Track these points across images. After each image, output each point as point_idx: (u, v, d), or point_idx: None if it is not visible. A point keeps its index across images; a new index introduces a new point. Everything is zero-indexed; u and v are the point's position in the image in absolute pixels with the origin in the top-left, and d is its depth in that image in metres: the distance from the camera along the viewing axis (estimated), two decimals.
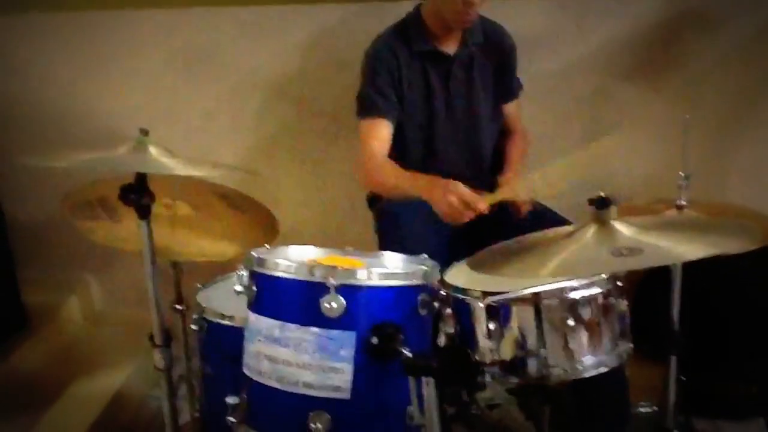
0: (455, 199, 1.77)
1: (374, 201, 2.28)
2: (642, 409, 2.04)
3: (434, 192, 1.84)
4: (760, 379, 2.22)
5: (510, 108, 2.29)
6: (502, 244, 1.51)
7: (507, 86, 2.25)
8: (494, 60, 2.19)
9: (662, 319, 1.75)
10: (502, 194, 1.86)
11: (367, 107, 2.12)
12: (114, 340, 2.65)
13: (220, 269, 2.00)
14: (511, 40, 2.23)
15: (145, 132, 1.67)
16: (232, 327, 1.67)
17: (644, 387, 1.93)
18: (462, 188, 1.79)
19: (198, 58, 2.58)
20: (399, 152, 2.13)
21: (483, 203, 1.78)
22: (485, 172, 2.23)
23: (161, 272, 1.70)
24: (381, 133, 2.10)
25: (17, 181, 2.73)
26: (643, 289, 2.19)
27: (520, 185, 2.01)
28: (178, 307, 2.01)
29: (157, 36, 2.58)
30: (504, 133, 2.29)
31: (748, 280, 2.21)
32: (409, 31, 2.13)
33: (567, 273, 1.35)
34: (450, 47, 2.13)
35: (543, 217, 2.04)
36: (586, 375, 1.41)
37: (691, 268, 1.68)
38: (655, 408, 2.00)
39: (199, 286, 1.84)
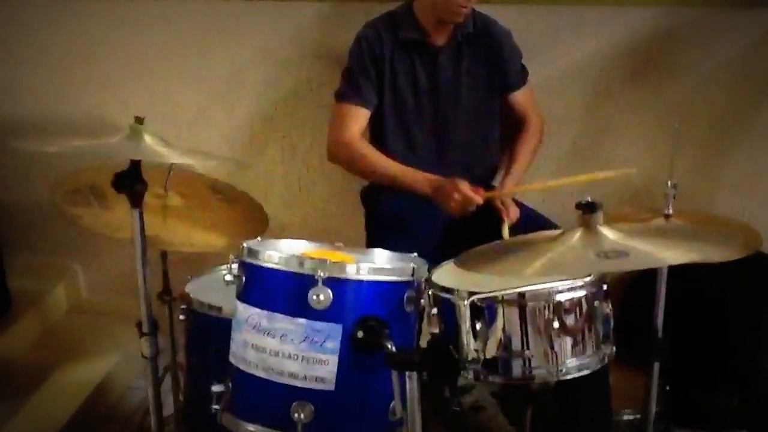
0: (459, 196, 1.92)
1: (368, 198, 2.29)
2: (625, 417, 2.05)
3: (438, 190, 1.98)
4: (742, 391, 2.24)
5: (518, 97, 2.26)
6: (490, 244, 1.53)
7: (505, 76, 2.22)
8: (486, 51, 2.18)
9: (647, 326, 1.76)
10: (497, 192, 2.02)
11: (350, 91, 2.14)
12: (99, 329, 2.64)
13: (207, 261, 2.00)
14: (502, 29, 2.21)
15: (140, 120, 1.68)
16: (220, 318, 1.68)
17: (629, 395, 1.94)
18: (465, 187, 1.93)
19: (193, 50, 2.58)
20: (377, 139, 2.15)
21: (479, 198, 1.94)
22: (470, 169, 2.21)
23: (149, 262, 1.70)
24: (360, 119, 2.13)
25: (6, 166, 2.72)
26: (630, 297, 2.21)
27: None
28: (165, 297, 2.01)
29: (151, 26, 2.58)
30: (516, 125, 2.28)
31: (732, 291, 2.22)
32: (397, 21, 2.15)
33: (551, 273, 1.37)
34: (439, 40, 2.14)
35: (533, 221, 2.05)
36: (569, 377, 1.42)
37: (676, 277, 1.70)
38: (638, 416, 2.01)
39: (189, 277, 1.85)
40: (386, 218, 2.12)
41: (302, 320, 1.33)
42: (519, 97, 2.27)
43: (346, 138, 2.12)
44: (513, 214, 2.06)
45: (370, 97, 2.13)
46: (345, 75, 2.18)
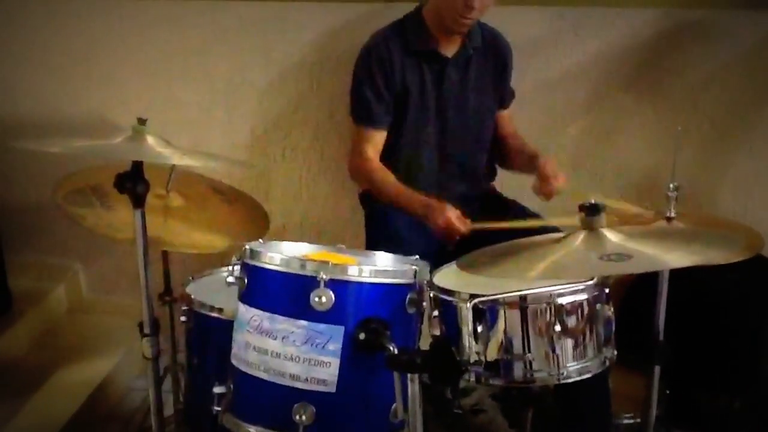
0: (442, 222, 1.92)
1: (367, 200, 2.29)
2: (626, 421, 2.05)
3: (429, 213, 1.97)
4: (743, 394, 2.23)
5: (505, 117, 2.31)
6: (493, 246, 1.53)
7: (502, 93, 2.27)
8: (493, 63, 2.21)
9: (648, 329, 1.76)
10: (484, 225, 1.94)
11: (365, 114, 2.15)
12: (100, 329, 2.64)
13: (208, 261, 2.00)
14: (508, 47, 2.25)
15: (142, 121, 1.68)
16: (221, 319, 1.67)
17: (629, 398, 1.94)
18: (451, 214, 1.92)
19: (195, 51, 2.58)
20: (387, 147, 2.15)
21: (464, 229, 1.91)
22: (470, 175, 2.25)
23: (150, 262, 1.70)
24: (376, 141, 2.16)
25: (8, 165, 2.72)
26: (630, 300, 2.20)
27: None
28: (166, 297, 2.01)
29: (154, 27, 2.58)
30: (498, 139, 2.30)
31: (733, 293, 2.22)
32: (407, 30, 2.14)
33: (554, 275, 1.37)
34: (448, 50, 2.15)
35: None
36: (570, 380, 1.42)
37: (677, 280, 1.70)
38: (639, 419, 2.01)
39: (190, 277, 1.85)
40: (383, 221, 2.12)
41: (304, 322, 1.33)
42: (506, 117, 2.31)
43: (360, 162, 2.17)
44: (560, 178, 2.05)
45: (383, 117, 2.14)
46: (355, 93, 2.17)
